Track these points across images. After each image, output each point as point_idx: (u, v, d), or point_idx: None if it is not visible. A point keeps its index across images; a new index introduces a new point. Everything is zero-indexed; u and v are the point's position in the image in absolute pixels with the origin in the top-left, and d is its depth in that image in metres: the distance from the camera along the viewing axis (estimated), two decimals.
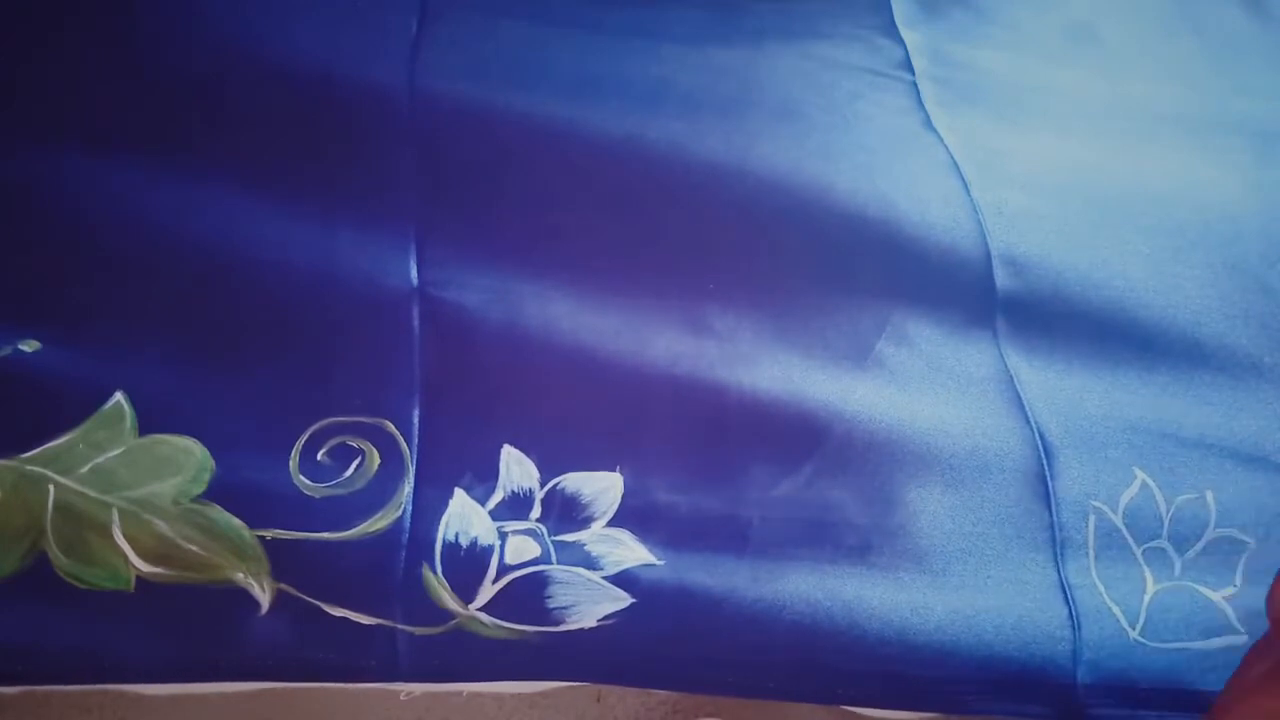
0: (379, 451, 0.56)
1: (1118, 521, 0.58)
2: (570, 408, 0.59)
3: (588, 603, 0.53)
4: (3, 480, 0.51)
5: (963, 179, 0.71)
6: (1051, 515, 0.58)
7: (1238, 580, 0.57)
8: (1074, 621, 0.54)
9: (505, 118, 0.70)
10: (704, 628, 0.53)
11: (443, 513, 0.54)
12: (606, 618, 0.52)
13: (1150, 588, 0.56)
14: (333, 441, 0.56)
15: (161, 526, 0.51)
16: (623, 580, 0.53)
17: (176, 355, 0.58)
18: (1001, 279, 0.67)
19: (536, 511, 0.55)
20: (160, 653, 0.50)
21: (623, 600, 0.53)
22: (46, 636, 0.49)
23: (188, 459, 0.54)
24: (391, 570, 0.52)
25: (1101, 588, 0.56)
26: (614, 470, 0.57)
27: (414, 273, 0.62)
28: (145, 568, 0.50)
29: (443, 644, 0.51)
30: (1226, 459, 0.61)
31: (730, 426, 0.59)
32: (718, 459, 0.58)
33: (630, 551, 0.54)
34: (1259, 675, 0.44)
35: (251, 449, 0.55)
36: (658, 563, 0.54)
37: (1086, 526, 0.58)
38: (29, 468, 0.52)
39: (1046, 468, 0.60)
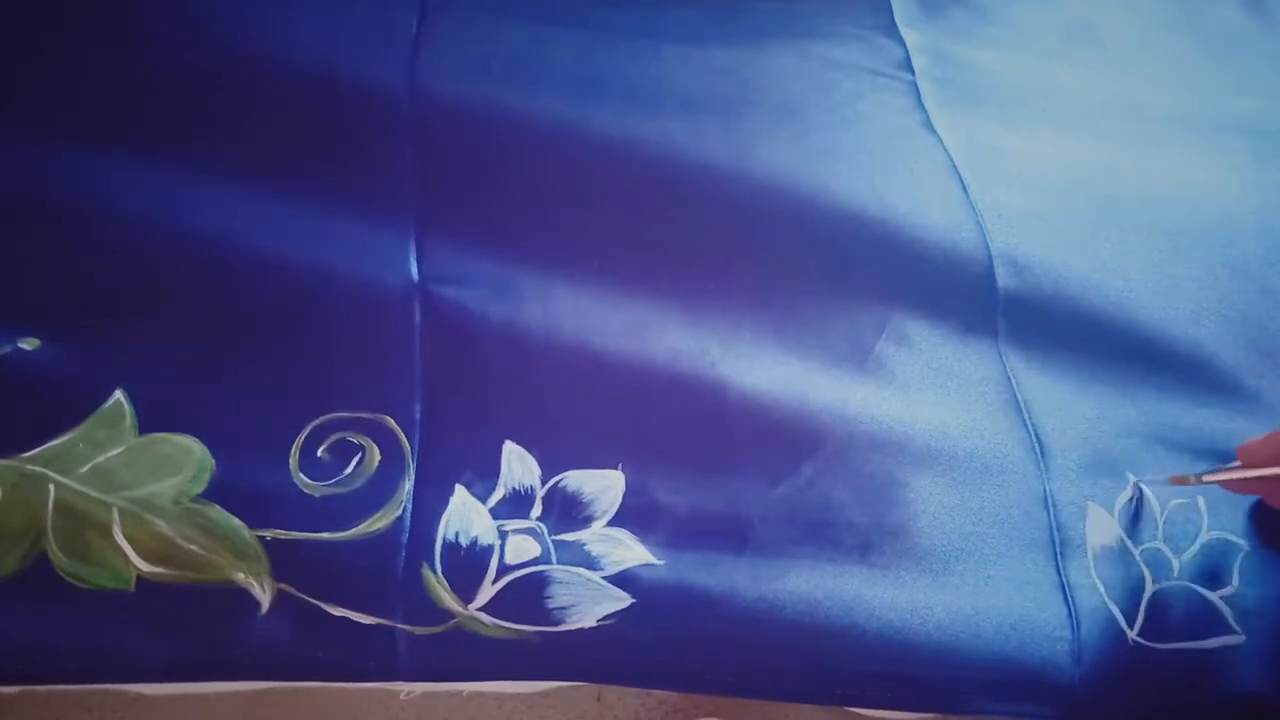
0: (379, 448, 0.56)
1: (1114, 524, 0.59)
2: (572, 405, 0.59)
3: (587, 603, 0.53)
4: (3, 480, 0.51)
5: (962, 179, 0.71)
6: (1049, 516, 0.58)
7: (1234, 580, 0.57)
8: (1073, 622, 0.55)
9: (505, 117, 0.70)
10: (704, 628, 0.53)
11: (443, 511, 0.54)
12: (606, 618, 0.52)
13: (1149, 587, 0.56)
14: (333, 438, 0.56)
15: (162, 526, 0.51)
16: (623, 580, 0.53)
17: (176, 353, 0.58)
18: (1003, 279, 0.67)
19: (537, 510, 0.55)
20: (160, 653, 0.50)
21: (623, 600, 0.53)
22: (47, 636, 0.49)
23: (188, 458, 0.54)
24: (391, 570, 0.52)
25: (1101, 588, 0.56)
26: (615, 468, 0.57)
27: (414, 269, 0.62)
28: (146, 567, 0.50)
29: (443, 644, 0.51)
30: (1220, 463, 0.61)
31: (730, 426, 0.59)
32: (718, 458, 0.58)
33: (630, 552, 0.54)
34: None
35: (251, 447, 0.55)
36: (658, 563, 0.54)
37: (1084, 528, 0.58)
38: (29, 467, 0.52)
39: (1044, 469, 0.60)
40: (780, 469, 0.58)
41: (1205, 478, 0.55)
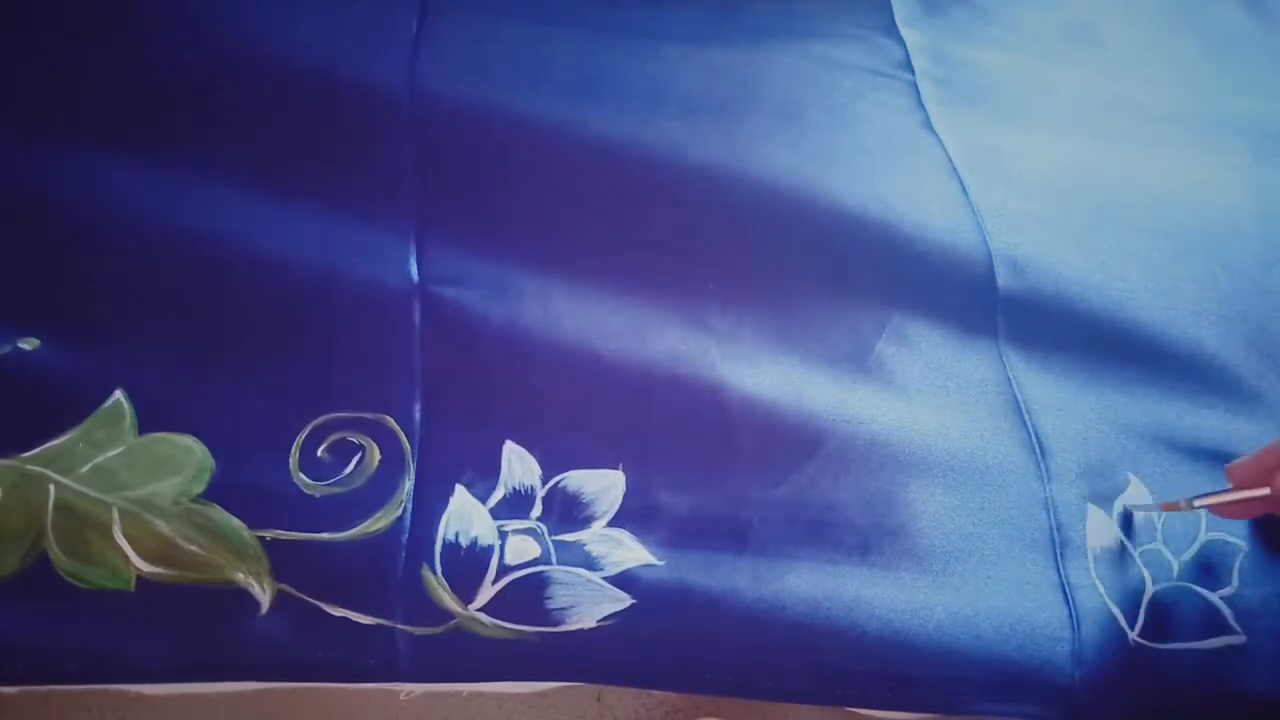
0: (379, 447, 0.56)
1: (1114, 525, 0.59)
2: (572, 405, 0.59)
3: (587, 603, 0.53)
4: (3, 480, 0.51)
5: (962, 179, 0.71)
6: (1049, 517, 0.58)
7: (1234, 580, 0.57)
8: (1074, 622, 0.55)
9: (505, 117, 0.70)
10: (704, 628, 0.53)
11: (443, 511, 0.54)
12: (606, 618, 0.52)
13: (1149, 588, 0.56)
14: (333, 438, 0.56)
15: (162, 526, 0.51)
16: (623, 581, 0.53)
17: (176, 352, 0.58)
18: (1003, 280, 0.67)
19: (537, 510, 0.55)
20: (160, 653, 0.50)
21: (623, 601, 0.53)
22: (47, 636, 0.49)
23: (188, 458, 0.54)
24: (391, 570, 0.52)
25: (1101, 588, 0.56)
26: (616, 468, 0.57)
27: (414, 270, 0.62)
28: (146, 568, 0.50)
29: (443, 644, 0.51)
30: (1219, 464, 0.61)
31: (731, 426, 0.59)
32: (718, 459, 0.58)
33: (630, 552, 0.54)
34: None
35: (251, 447, 0.55)
36: (658, 563, 0.54)
37: (1084, 529, 0.58)
38: (29, 467, 0.52)
39: (1043, 470, 0.60)
40: (780, 469, 0.58)
41: (1196, 502, 0.55)
